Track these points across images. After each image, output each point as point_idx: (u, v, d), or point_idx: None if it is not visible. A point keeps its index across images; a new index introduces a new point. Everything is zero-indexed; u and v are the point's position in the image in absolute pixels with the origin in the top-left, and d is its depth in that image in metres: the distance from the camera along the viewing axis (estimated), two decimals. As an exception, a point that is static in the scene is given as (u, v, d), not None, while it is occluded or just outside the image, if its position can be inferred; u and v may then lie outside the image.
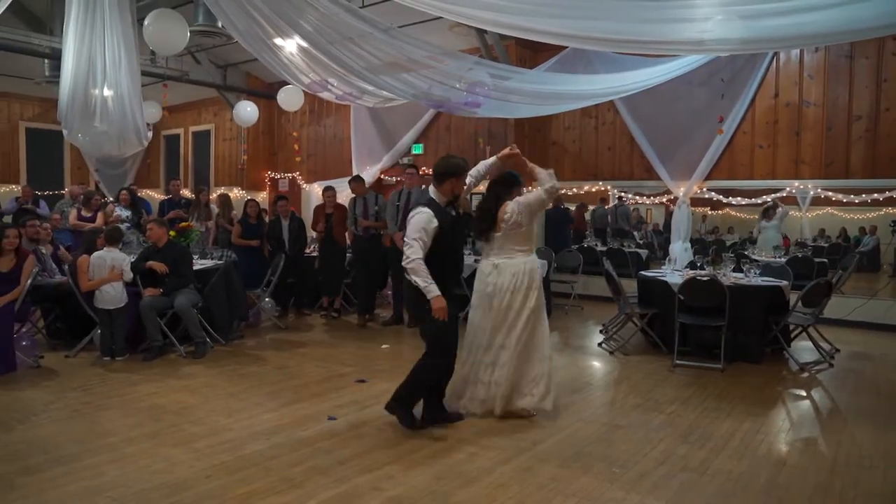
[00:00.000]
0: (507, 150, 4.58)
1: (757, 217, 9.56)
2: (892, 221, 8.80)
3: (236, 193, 12.83)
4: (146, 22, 6.79)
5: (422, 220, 4.01)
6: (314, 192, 12.74)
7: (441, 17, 8.21)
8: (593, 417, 4.49)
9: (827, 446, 4.03)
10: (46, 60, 11.41)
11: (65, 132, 8.51)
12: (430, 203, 4.14)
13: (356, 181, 8.21)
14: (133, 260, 6.20)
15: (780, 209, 9.06)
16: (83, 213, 8.85)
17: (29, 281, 5.62)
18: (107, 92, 7.49)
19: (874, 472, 3.64)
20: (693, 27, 5.15)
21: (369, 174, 11.63)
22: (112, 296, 5.83)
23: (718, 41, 5.14)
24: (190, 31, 7.58)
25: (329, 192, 8.19)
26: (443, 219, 4.06)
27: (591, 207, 11.20)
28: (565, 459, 3.73)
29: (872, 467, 3.69)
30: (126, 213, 8.89)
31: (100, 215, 8.97)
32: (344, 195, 8.71)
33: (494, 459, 3.70)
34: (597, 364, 6.14)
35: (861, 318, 7.73)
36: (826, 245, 9.70)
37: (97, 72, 7.24)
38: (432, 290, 3.92)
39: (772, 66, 8.50)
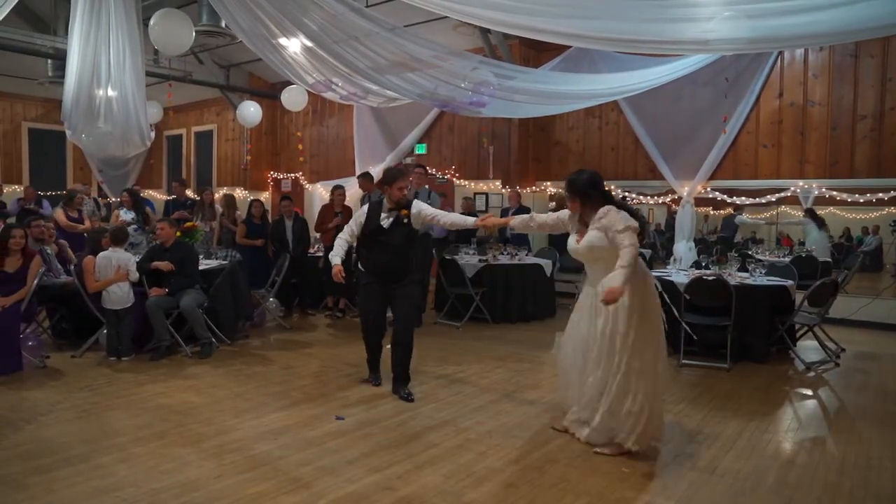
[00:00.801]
0: (482, 221, 4.77)
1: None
2: (893, 221, 8.80)
3: (239, 194, 12.83)
4: (152, 22, 6.80)
5: (358, 213, 5.00)
6: (317, 192, 12.75)
7: (445, 18, 8.24)
8: (601, 417, 4.48)
9: (835, 446, 4.02)
10: (49, 61, 11.44)
11: (68, 133, 8.51)
12: (374, 202, 4.92)
13: (364, 177, 8.27)
14: (138, 260, 6.20)
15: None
16: (69, 213, 8.65)
17: (35, 281, 5.63)
18: (111, 92, 7.50)
19: (883, 472, 3.63)
20: (698, 27, 5.15)
21: (373, 174, 11.64)
22: (119, 296, 5.83)
23: (724, 41, 5.14)
24: (194, 32, 7.59)
25: (339, 191, 8.23)
26: (370, 218, 4.82)
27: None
28: (573, 459, 3.73)
29: (881, 468, 3.68)
30: (130, 216, 8.83)
31: (85, 216, 8.87)
32: (349, 193, 8.73)
33: (504, 459, 3.70)
34: (602, 364, 6.12)
35: (865, 318, 7.73)
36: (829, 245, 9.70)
37: (102, 72, 7.25)
38: (333, 259, 4.84)
39: (776, 66, 8.49)
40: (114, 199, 13.59)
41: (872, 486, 3.43)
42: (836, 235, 9.73)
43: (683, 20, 5.20)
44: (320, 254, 8.75)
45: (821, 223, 9.21)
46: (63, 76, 7.97)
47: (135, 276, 5.97)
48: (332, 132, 12.83)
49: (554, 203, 10.75)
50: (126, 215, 8.75)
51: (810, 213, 9.11)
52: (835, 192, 8.20)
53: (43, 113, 14.51)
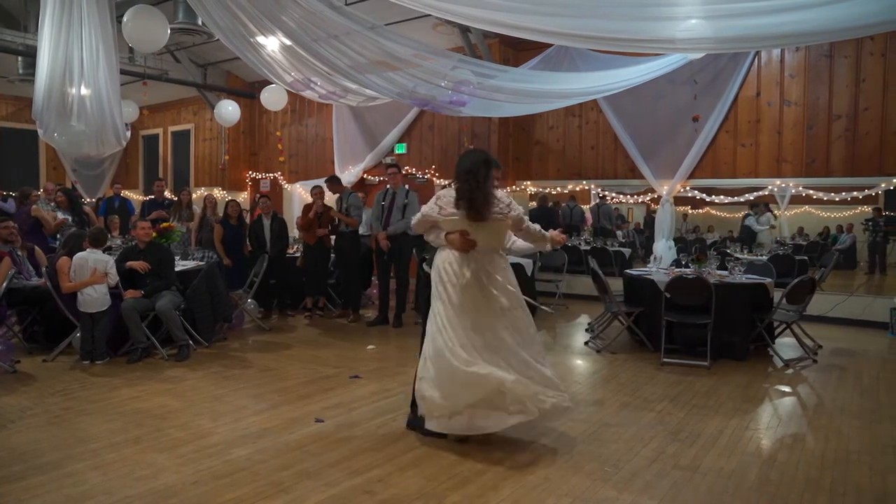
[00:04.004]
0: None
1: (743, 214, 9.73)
2: (865, 220, 8.94)
3: (217, 194, 12.65)
4: (125, 18, 6.67)
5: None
6: (296, 192, 12.63)
7: (424, 16, 8.20)
8: (583, 416, 4.48)
9: (815, 442, 4.05)
10: (20, 58, 11.19)
11: (40, 132, 8.30)
12: None
13: (331, 181, 8.19)
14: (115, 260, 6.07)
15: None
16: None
17: (4, 283, 5.48)
18: (84, 91, 7.34)
19: (862, 466, 3.66)
20: (674, 25, 5.18)
21: (352, 174, 11.57)
22: (95, 298, 5.70)
23: (690, 40, 5.18)
24: (170, 29, 7.46)
25: (316, 190, 8.17)
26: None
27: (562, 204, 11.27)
28: (557, 459, 3.71)
29: (860, 462, 3.72)
30: (66, 217, 8.35)
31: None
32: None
33: (486, 460, 3.66)
34: (584, 363, 6.14)
35: (841, 315, 7.83)
36: (804, 243, 9.83)
37: (74, 70, 7.09)
38: None
39: (753, 66, 8.58)
40: (89, 200, 13.32)
41: (852, 481, 3.46)
42: (813, 234, 9.88)
43: (658, 19, 5.22)
44: (299, 254, 8.69)
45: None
46: (34, 74, 7.77)
47: (114, 279, 5.84)
48: (311, 132, 12.71)
49: (535, 203, 10.77)
50: (62, 215, 8.45)
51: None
52: (811, 191, 8.30)
53: (14, 111, 14.19)
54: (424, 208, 4.05)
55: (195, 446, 3.85)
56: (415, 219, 4.11)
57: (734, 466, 3.63)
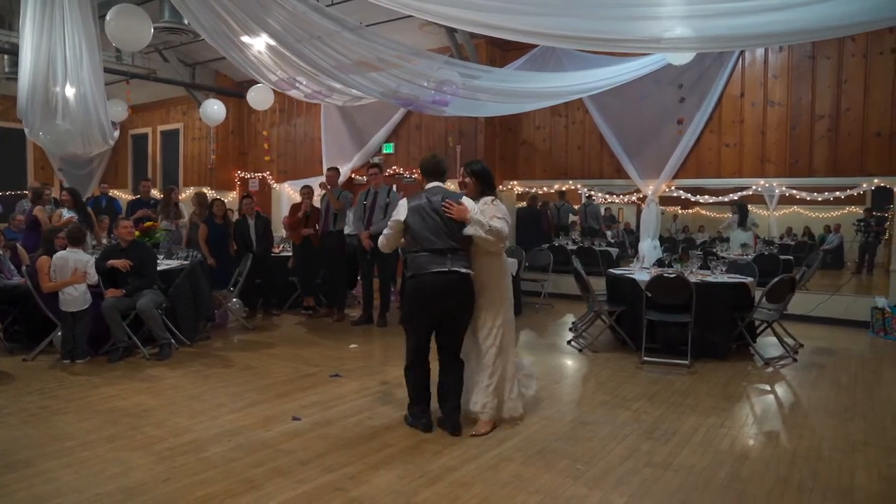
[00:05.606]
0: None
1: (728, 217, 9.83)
2: (856, 220, 9.00)
3: (206, 194, 12.62)
4: (108, 17, 6.63)
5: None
6: (285, 191, 12.61)
7: (410, 17, 8.19)
8: (560, 415, 4.50)
9: (788, 439, 4.08)
10: (6, 56, 11.14)
11: (26, 130, 8.28)
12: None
13: (332, 170, 8.27)
14: (96, 258, 6.05)
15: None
16: None
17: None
18: (69, 89, 7.31)
19: (832, 463, 3.69)
20: (658, 25, 5.20)
21: (340, 173, 11.56)
22: (76, 297, 5.69)
23: (675, 40, 5.21)
24: (155, 28, 7.43)
25: (305, 190, 8.18)
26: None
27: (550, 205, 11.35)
28: (530, 457, 3.72)
29: (831, 459, 3.74)
30: (73, 216, 8.48)
31: None
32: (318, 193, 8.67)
33: (459, 458, 3.67)
34: (566, 362, 6.15)
35: (824, 314, 7.87)
36: (792, 243, 9.90)
37: (57, 68, 7.06)
38: None
39: (738, 66, 8.61)
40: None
41: (821, 478, 3.48)
42: (800, 234, 9.96)
43: (645, 19, 5.24)
44: (287, 253, 8.70)
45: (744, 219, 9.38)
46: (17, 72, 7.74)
47: (94, 278, 5.83)
48: (299, 131, 12.70)
49: (525, 203, 10.80)
50: (69, 215, 8.46)
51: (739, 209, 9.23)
52: (794, 191, 8.34)
53: (1, 111, 14.12)
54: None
55: (169, 444, 3.85)
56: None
57: (706, 464, 3.65)
